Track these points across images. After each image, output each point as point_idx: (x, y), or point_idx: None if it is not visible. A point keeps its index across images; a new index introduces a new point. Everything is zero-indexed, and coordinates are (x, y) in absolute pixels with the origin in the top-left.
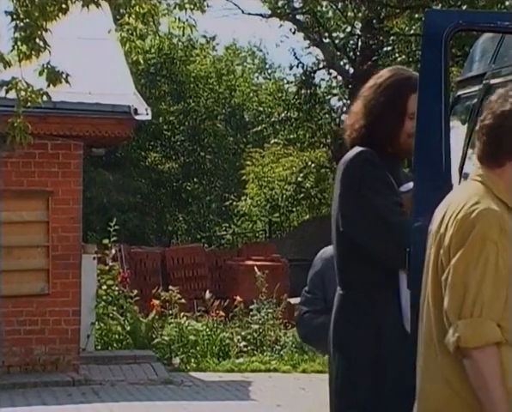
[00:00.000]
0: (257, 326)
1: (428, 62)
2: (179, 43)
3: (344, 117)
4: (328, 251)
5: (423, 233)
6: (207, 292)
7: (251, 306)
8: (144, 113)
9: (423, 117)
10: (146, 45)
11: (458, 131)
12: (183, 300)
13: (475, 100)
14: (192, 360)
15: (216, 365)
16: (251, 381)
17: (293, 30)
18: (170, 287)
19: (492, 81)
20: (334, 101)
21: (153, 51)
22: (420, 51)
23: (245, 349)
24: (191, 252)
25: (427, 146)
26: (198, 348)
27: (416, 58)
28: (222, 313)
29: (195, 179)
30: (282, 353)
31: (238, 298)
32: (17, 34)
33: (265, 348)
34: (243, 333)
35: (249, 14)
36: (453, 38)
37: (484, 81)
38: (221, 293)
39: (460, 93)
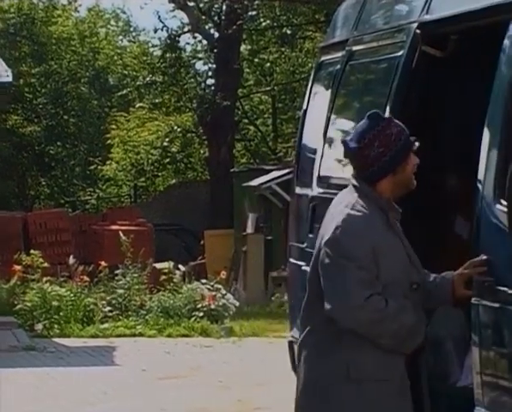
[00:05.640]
0: (122, 291)
1: None
2: (40, 3)
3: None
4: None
5: None
6: (71, 257)
7: (116, 271)
8: (4, 75)
9: None
10: (5, 4)
11: (322, 96)
12: (46, 264)
13: (338, 66)
14: (56, 325)
15: (80, 330)
16: (116, 346)
17: None
18: (32, 251)
19: (354, 48)
20: (199, 65)
21: (12, 10)
22: (284, 15)
23: (110, 314)
24: (54, 217)
25: None
26: (61, 313)
27: (280, 23)
28: (86, 278)
29: (58, 143)
30: (147, 317)
31: (103, 263)
32: None
33: (130, 312)
34: (108, 298)
35: None
36: None
37: (346, 48)
38: (85, 259)
39: (323, 58)
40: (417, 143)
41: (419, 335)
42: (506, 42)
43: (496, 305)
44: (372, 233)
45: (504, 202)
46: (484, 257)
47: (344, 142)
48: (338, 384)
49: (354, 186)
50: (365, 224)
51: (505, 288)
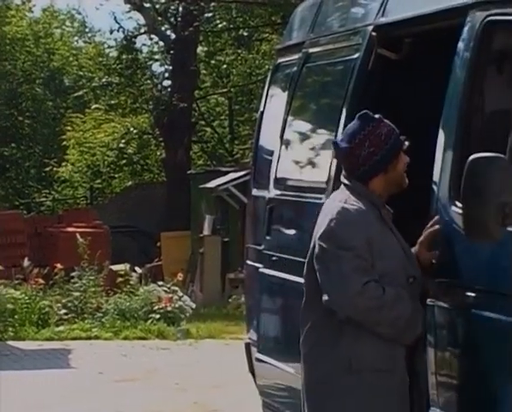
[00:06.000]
0: (78, 294)
1: None
2: None
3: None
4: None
5: None
6: (26, 259)
7: (72, 274)
8: None
9: None
10: None
11: (278, 98)
12: (0, 267)
13: (295, 68)
14: (10, 328)
15: (35, 333)
16: (71, 349)
17: None
18: None
19: (311, 50)
20: (156, 67)
21: None
22: (240, 17)
23: (65, 317)
24: (8, 219)
25: None
26: (16, 316)
27: (236, 25)
28: (41, 281)
29: (13, 144)
30: (103, 320)
31: (58, 265)
32: None
33: (86, 315)
34: (64, 301)
35: None
36: None
37: (303, 50)
38: (40, 261)
39: (280, 60)
40: (406, 142)
41: (417, 326)
42: (460, 45)
43: (451, 306)
44: (366, 224)
45: (459, 204)
46: (436, 218)
47: (334, 144)
48: (339, 377)
49: (345, 185)
50: (359, 216)
51: (460, 290)
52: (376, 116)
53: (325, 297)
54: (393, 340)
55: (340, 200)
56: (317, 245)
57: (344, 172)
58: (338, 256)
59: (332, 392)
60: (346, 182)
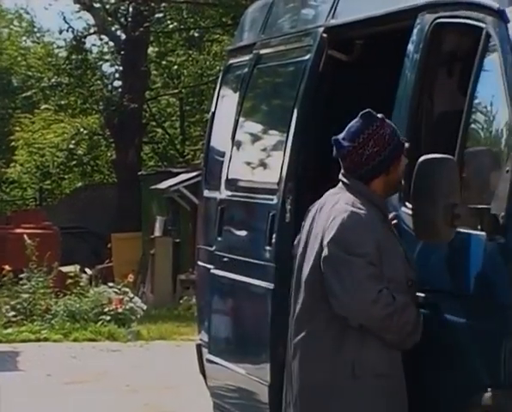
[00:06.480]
0: (27, 295)
1: None
2: None
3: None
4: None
5: None
6: None
7: (21, 275)
8: None
9: None
10: None
11: (230, 99)
12: None
13: (246, 69)
14: None
15: None
16: (20, 351)
17: None
18: None
19: (262, 51)
20: (106, 67)
21: None
22: (191, 18)
23: (14, 319)
24: None
25: None
26: None
27: (188, 26)
28: None
29: None
30: (53, 322)
31: (7, 267)
32: None
33: (35, 317)
34: (12, 303)
35: None
36: None
37: (254, 51)
38: None
39: (231, 61)
40: (407, 144)
41: (420, 330)
42: (410, 47)
43: None
44: (375, 229)
45: (409, 205)
46: (394, 213)
47: (335, 141)
48: (342, 382)
49: (346, 185)
50: (368, 221)
51: None
52: (379, 115)
53: (336, 303)
54: (395, 345)
55: (347, 202)
56: (326, 250)
57: (343, 170)
58: (351, 262)
59: (333, 397)
60: (346, 181)
